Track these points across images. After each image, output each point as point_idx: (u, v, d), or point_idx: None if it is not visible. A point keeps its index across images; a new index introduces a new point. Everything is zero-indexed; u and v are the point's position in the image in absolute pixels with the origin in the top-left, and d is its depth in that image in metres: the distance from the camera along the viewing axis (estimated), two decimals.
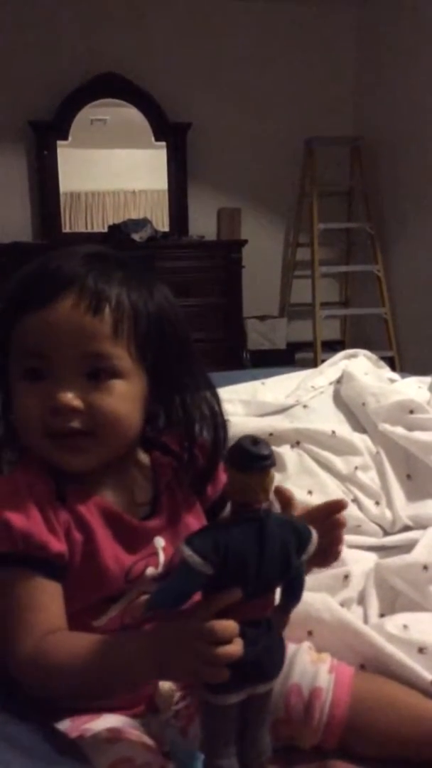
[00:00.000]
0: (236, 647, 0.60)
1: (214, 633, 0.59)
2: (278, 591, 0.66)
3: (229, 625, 0.60)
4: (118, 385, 0.74)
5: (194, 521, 0.83)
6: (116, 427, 0.74)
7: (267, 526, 0.62)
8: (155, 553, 0.78)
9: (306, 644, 0.89)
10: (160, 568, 0.78)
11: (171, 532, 0.80)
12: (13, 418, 0.76)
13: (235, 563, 0.61)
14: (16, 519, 0.70)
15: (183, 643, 0.61)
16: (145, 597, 0.77)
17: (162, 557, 0.79)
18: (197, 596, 0.63)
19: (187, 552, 0.60)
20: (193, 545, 0.60)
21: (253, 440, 0.60)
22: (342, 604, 1.02)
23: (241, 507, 0.62)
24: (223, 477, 0.80)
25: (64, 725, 0.74)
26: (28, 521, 0.70)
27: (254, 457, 0.59)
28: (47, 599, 0.71)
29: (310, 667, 0.83)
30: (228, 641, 0.59)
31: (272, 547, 0.62)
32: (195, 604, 0.63)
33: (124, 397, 0.74)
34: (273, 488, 0.64)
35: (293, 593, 0.67)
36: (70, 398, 0.71)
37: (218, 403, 0.83)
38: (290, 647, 0.85)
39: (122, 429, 0.75)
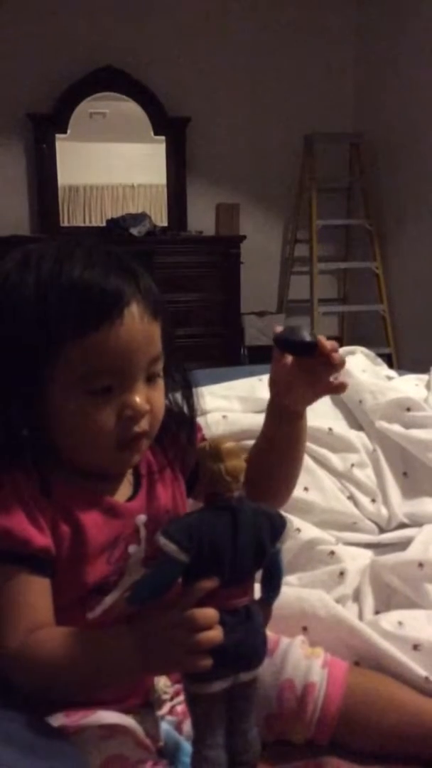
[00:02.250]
0: (216, 633, 0.62)
1: (195, 620, 0.61)
2: (257, 585, 0.68)
3: (209, 612, 0.62)
4: (160, 382, 0.77)
5: (172, 496, 0.84)
6: (159, 422, 0.77)
7: (240, 514, 0.64)
8: (136, 530, 0.78)
9: (299, 638, 0.89)
10: (142, 544, 0.78)
11: (150, 506, 0.80)
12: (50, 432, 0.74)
13: (210, 551, 0.63)
14: None
15: (164, 634, 0.63)
16: (126, 592, 0.77)
17: (143, 532, 0.78)
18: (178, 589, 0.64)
19: (163, 541, 0.63)
20: (169, 534, 0.63)
21: (290, 329, 0.81)
22: (337, 601, 1.02)
23: (214, 497, 0.65)
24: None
25: (58, 721, 0.74)
26: (9, 517, 0.70)
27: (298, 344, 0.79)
28: (33, 595, 0.71)
29: (303, 662, 0.84)
30: (208, 628, 0.61)
31: (246, 535, 0.64)
32: (175, 596, 0.64)
33: (163, 393, 0.78)
34: (243, 476, 0.66)
35: (272, 584, 0.69)
36: (144, 403, 0.73)
37: (188, 373, 0.86)
38: (283, 641, 0.86)
39: (159, 423, 0.78)
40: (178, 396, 0.83)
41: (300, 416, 0.89)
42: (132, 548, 0.78)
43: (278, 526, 0.67)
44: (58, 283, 0.70)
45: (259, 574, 0.70)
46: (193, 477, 0.87)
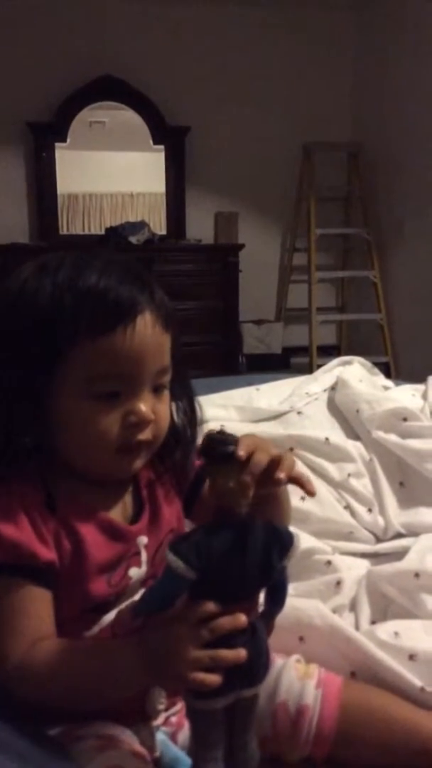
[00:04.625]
0: (236, 653, 0.61)
1: (204, 636, 0.61)
2: (262, 598, 0.67)
3: (230, 620, 0.62)
4: (166, 394, 0.77)
5: (173, 516, 0.84)
6: (164, 433, 0.78)
7: (249, 530, 0.63)
8: (137, 553, 0.78)
9: (293, 659, 0.88)
10: (143, 567, 0.78)
11: (152, 528, 0.80)
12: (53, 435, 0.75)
13: (218, 568, 0.62)
14: (6, 528, 0.70)
15: (172, 649, 0.62)
16: (131, 603, 0.77)
17: (144, 555, 0.79)
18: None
19: (171, 557, 0.61)
20: (177, 551, 0.62)
21: (218, 431, 0.64)
22: (334, 611, 1.02)
23: (224, 512, 0.63)
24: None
25: (56, 732, 0.74)
26: (17, 530, 0.70)
27: (219, 444, 0.63)
28: (37, 607, 0.71)
29: (296, 684, 0.83)
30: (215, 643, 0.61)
31: (254, 552, 0.63)
32: (179, 609, 0.64)
33: (168, 405, 0.78)
34: (252, 491, 0.64)
35: (277, 599, 0.68)
36: (149, 412, 0.73)
37: (194, 398, 0.85)
38: (277, 662, 0.85)
39: (163, 435, 0.78)
40: (181, 414, 0.83)
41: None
42: (133, 571, 0.78)
43: (286, 543, 0.66)
44: (74, 287, 0.71)
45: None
46: (190, 498, 0.87)
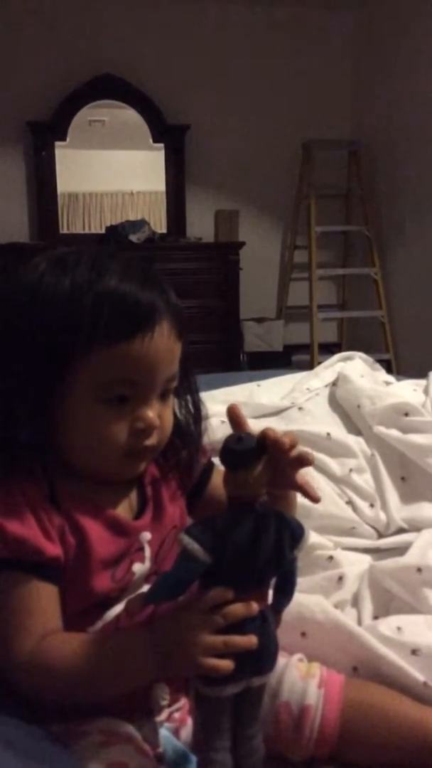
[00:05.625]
0: (248, 639, 0.62)
1: (217, 622, 0.62)
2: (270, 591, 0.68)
3: (233, 613, 0.62)
4: (170, 399, 0.78)
5: (177, 513, 0.84)
6: (167, 438, 0.78)
7: (263, 518, 0.64)
8: (141, 549, 0.79)
9: (295, 658, 0.88)
10: (147, 563, 0.78)
11: (155, 525, 0.81)
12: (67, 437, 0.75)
13: (233, 553, 0.62)
14: (11, 524, 0.70)
15: (184, 636, 0.63)
16: (143, 590, 0.77)
17: (148, 551, 0.79)
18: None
19: (187, 540, 0.62)
20: (193, 534, 0.62)
21: (237, 438, 0.64)
22: (336, 606, 1.02)
23: (238, 500, 0.64)
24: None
25: (59, 728, 0.74)
26: (23, 526, 0.70)
27: (240, 454, 0.63)
28: (44, 602, 0.71)
29: (299, 684, 0.83)
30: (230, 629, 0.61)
31: (267, 540, 0.64)
32: (191, 597, 0.64)
33: (172, 410, 0.79)
34: (267, 480, 0.65)
35: (285, 591, 0.69)
36: (155, 418, 0.74)
37: (198, 397, 0.86)
38: (280, 662, 0.84)
39: (167, 439, 0.79)
40: (185, 412, 0.84)
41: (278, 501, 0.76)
42: (137, 566, 0.78)
43: (297, 534, 0.66)
44: (95, 289, 0.70)
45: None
46: (193, 496, 0.87)
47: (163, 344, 0.73)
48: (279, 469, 0.68)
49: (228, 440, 0.64)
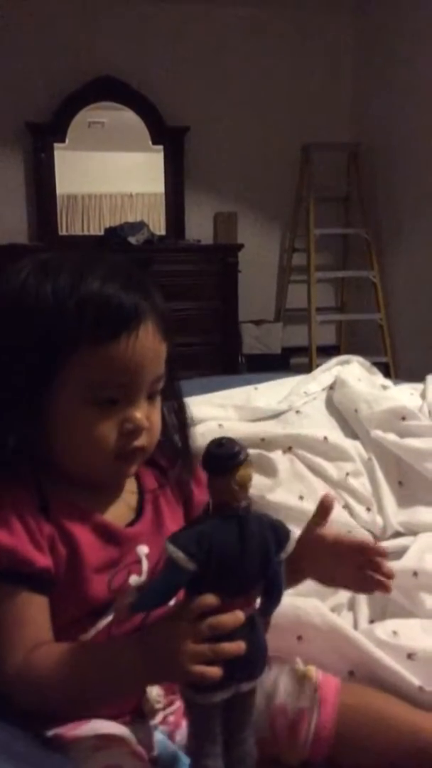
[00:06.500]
0: (237, 645, 0.62)
1: (204, 630, 0.61)
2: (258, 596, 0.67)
3: (220, 622, 0.62)
4: (158, 400, 0.78)
5: (176, 526, 0.82)
6: (156, 439, 0.78)
7: (247, 523, 0.64)
8: (138, 561, 0.78)
9: (291, 661, 0.87)
10: (144, 576, 0.78)
11: (154, 539, 0.80)
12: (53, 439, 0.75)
13: (218, 560, 0.62)
14: (0, 535, 0.70)
15: (173, 644, 0.62)
16: (129, 599, 0.77)
17: (145, 565, 0.79)
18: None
19: (171, 548, 0.62)
20: (177, 542, 0.62)
21: (218, 443, 0.63)
22: (332, 610, 1.02)
23: (222, 505, 0.64)
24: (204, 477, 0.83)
25: (53, 732, 0.74)
26: (12, 537, 0.70)
27: (220, 459, 0.62)
28: (34, 613, 0.71)
29: (294, 687, 0.83)
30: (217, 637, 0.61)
31: (253, 545, 0.63)
32: (178, 605, 0.64)
33: (159, 411, 0.79)
34: (250, 486, 0.65)
35: (273, 595, 0.68)
36: (143, 419, 0.74)
37: (184, 405, 0.86)
38: (275, 665, 0.84)
39: (156, 440, 0.79)
40: (173, 416, 0.84)
41: (304, 578, 0.86)
42: (133, 579, 0.78)
43: (283, 537, 0.66)
44: (77, 293, 0.70)
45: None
46: (189, 507, 0.87)
47: (149, 344, 0.73)
48: (351, 567, 0.78)
49: (209, 445, 0.64)
